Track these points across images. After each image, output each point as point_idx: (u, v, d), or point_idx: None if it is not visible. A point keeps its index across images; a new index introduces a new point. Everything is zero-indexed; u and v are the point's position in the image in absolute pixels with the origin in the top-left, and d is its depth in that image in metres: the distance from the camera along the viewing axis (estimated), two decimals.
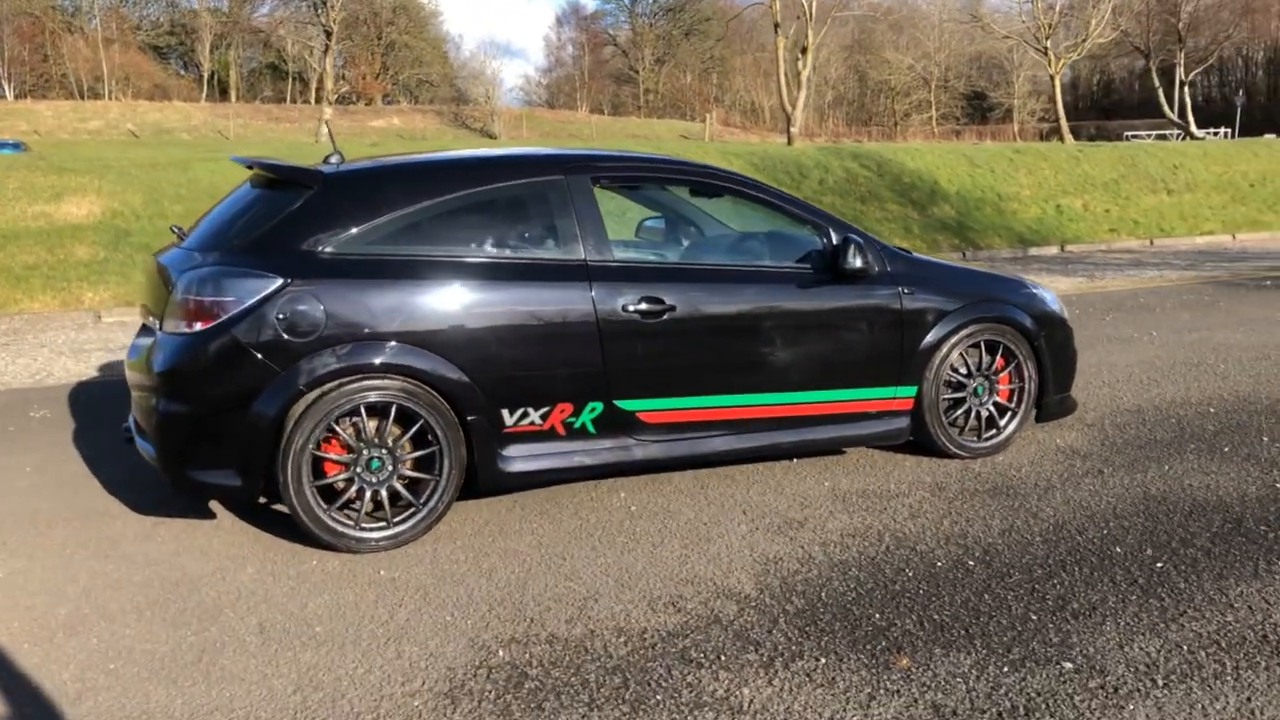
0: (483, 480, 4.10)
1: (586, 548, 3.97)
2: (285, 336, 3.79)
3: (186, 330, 3.81)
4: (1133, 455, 4.98)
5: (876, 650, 3.13)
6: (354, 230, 3.96)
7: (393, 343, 3.89)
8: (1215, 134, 43.95)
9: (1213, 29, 46.77)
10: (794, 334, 4.52)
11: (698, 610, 3.42)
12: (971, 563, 3.76)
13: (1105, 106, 78.62)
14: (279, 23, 43.07)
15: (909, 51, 62.11)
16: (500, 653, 3.16)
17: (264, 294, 3.78)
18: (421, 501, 4.01)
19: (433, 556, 3.92)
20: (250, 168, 4.36)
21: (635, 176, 4.55)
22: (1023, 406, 5.07)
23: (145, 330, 4.59)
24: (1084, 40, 33.60)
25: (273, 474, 3.84)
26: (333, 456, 3.90)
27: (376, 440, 3.94)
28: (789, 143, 29.58)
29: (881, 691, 2.90)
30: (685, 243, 5.00)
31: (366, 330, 3.86)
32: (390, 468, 3.98)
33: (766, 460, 4.87)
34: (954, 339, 4.82)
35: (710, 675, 3.00)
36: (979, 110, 66.34)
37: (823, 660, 3.07)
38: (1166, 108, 43.27)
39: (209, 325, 3.77)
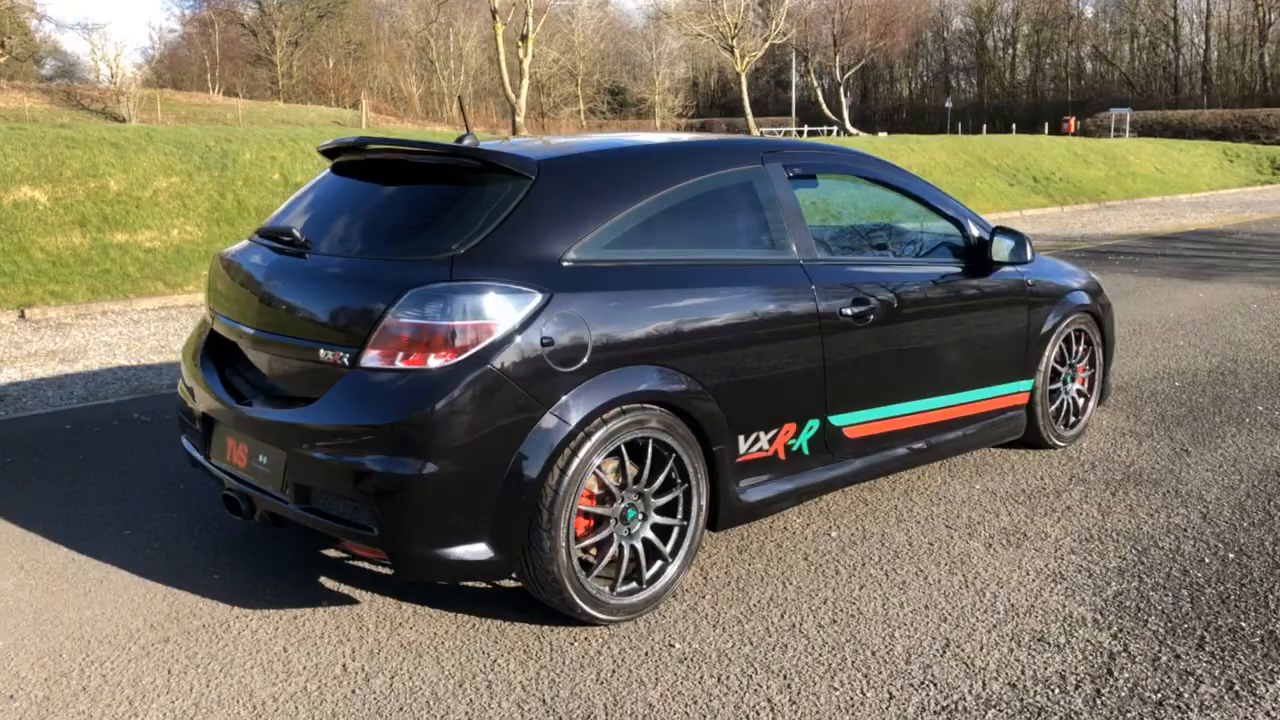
0: (723, 518, 3.51)
1: (854, 586, 3.51)
2: (552, 365, 2.98)
3: (411, 365, 2.89)
4: (1191, 429, 5.25)
5: None
6: (593, 231, 3.20)
7: (651, 366, 3.20)
8: (828, 131, 48.91)
9: (858, 37, 51.99)
10: (963, 332, 4.30)
11: (1073, 643, 3.11)
12: (1231, 555, 3.75)
13: (725, 105, 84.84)
14: None
15: (553, 45, 63.06)
16: None
17: (526, 314, 2.95)
18: (670, 551, 3.35)
19: (698, 617, 3.27)
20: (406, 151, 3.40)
21: (818, 165, 4.07)
22: (1095, 392, 5.20)
23: (216, 355, 3.52)
24: (766, 40, 36.00)
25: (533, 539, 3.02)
26: (590, 509, 3.15)
27: (634, 485, 3.23)
28: (514, 133, 28.93)
29: None
30: (850, 237, 4.58)
31: (626, 353, 3.14)
32: (643, 516, 3.28)
33: (916, 466, 4.57)
34: (1059, 329, 4.82)
35: (1200, 717, 2.72)
36: (621, 104, 68.93)
37: (1276, 683, 2.89)
38: (825, 108, 47.61)
39: (457, 358, 2.88)
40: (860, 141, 29.42)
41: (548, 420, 2.97)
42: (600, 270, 3.17)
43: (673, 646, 3.10)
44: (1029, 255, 4.41)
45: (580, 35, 63.21)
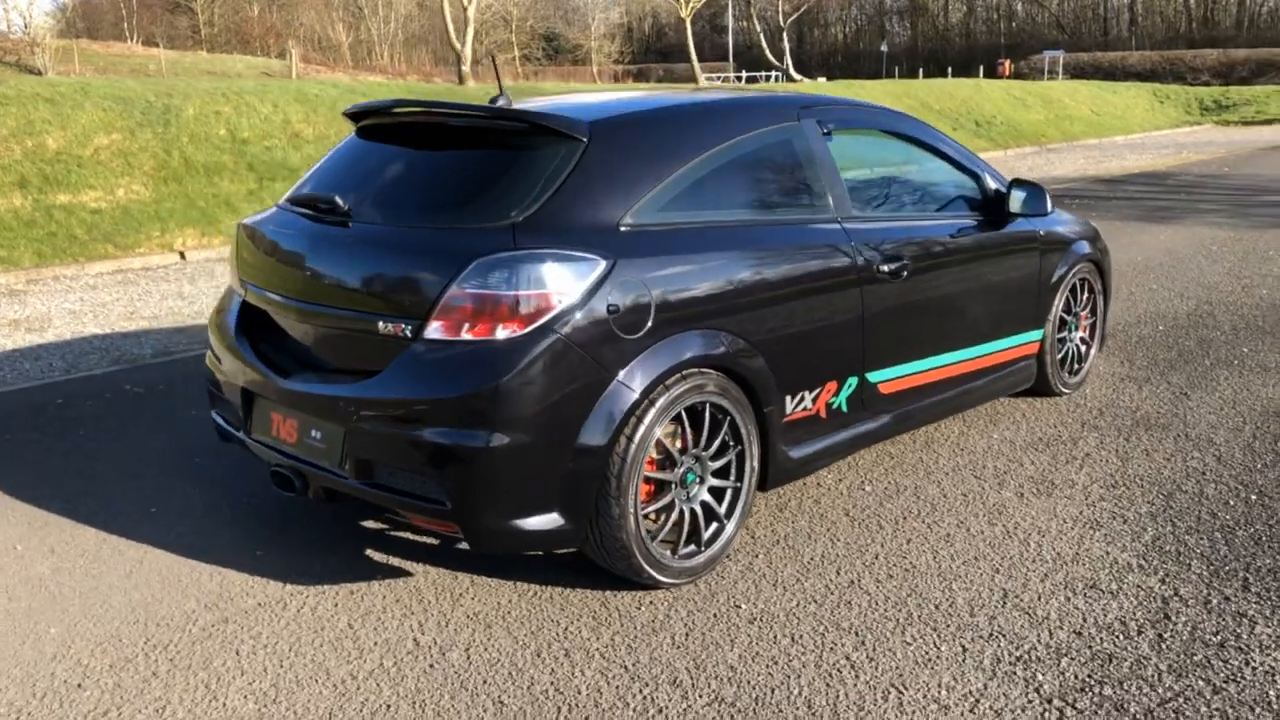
0: (772, 478, 3.53)
1: (901, 541, 3.56)
2: (617, 333, 2.95)
3: (477, 336, 2.84)
4: (1185, 373, 5.40)
5: None
6: (647, 194, 3.16)
7: (708, 330, 3.19)
8: (768, 76, 48.83)
9: None
10: (985, 285, 4.35)
11: (1125, 589, 3.19)
12: (1253, 497, 3.88)
13: (660, 50, 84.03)
14: None
15: None
16: (1042, 678, 2.74)
17: (591, 282, 2.91)
18: (725, 512, 3.36)
19: (756, 576, 3.30)
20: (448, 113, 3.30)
21: (849, 121, 4.03)
22: (1096, 339, 5.31)
23: (250, 327, 3.43)
24: None
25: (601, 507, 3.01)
26: (652, 475, 3.14)
27: (692, 449, 3.23)
28: (460, 82, 28.25)
29: None
30: (873, 191, 4.55)
31: (685, 316, 3.12)
32: (700, 480, 3.29)
33: (941, 419, 4.60)
34: (1067, 279, 4.90)
35: (1263, 656, 2.82)
36: (556, 51, 67.86)
37: None
38: (769, 53, 47.26)
39: (525, 328, 2.83)
40: (805, 87, 29.38)
41: (615, 388, 2.94)
42: (656, 234, 3.14)
43: (739, 608, 3.12)
44: (1048, 207, 4.46)
45: None
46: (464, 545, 3.53)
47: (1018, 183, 4.46)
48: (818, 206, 3.68)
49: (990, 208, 4.46)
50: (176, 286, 9.13)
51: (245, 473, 4.19)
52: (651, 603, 3.16)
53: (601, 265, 2.94)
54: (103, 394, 5.40)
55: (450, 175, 3.22)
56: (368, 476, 3.00)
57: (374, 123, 3.59)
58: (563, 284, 2.87)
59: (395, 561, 3.45)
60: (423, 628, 3.03)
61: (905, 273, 3.88)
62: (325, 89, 16.52)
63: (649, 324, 3.01)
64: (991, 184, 4.50)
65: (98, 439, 4.68)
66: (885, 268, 3.79)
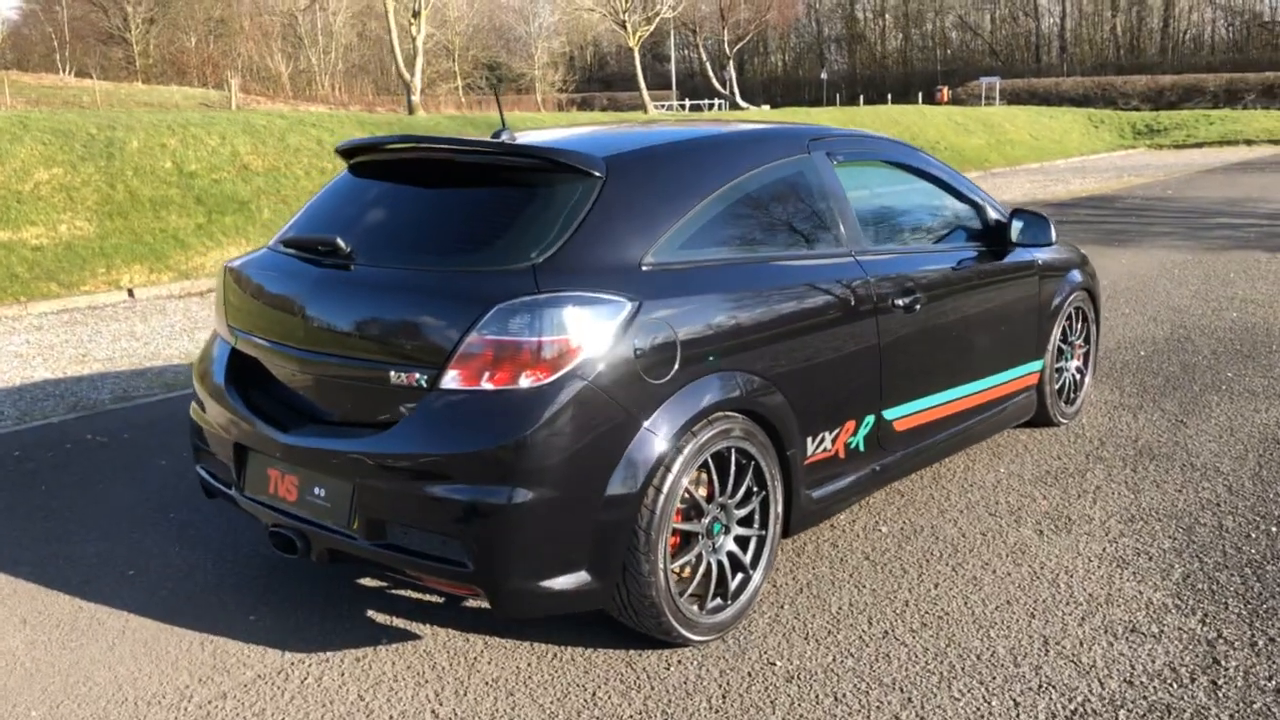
0: (795, 523, 3.39)
1: (928, 585, 3.43)
2: (644, 378, 2.80)
3: (500, 385, 2.66)
4: (1177, 400, 5.37)
5: None
6: (667, 231, 3.02)
7: (732, 373, 3.04)
8: (711, 104, 49.22)
9: (742, 12, 51.92)
10: (992, 316, 4.27)
11: (1167, 632, 3.09)
12: (1274, 529, 3.81)
13: (603, 79, 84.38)
14: None
15: (429, 20, 61.34)
16: None
17: (618, 325, 2.76)
18: (750, 562, 3.21)
19: (785, 629, 3.15)
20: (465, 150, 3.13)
21: (855, 152, 3.91)
22: (1090, 368, 5.27)
23: (240, 376, 3.22)
24: (656, 15, 35.77)
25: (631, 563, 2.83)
26: (679, 526, 2.97)
27: (720, 498, 3.08)
28: (410, 112, 27.92)
29: None
30: (879, 223, 4.45)
31: (710, 359, 2.98)
32: (726, 529, 3.14)
33: (950, 455, 4.48)
34: (1064, 308, 4.85)
35: None
36: (499, 80, 67.73)
37: None
38: (715, 82, 47.58)
39: (551, 375, 2.66)
40: (753, 115, 29.58)
41: (643, 436, 2.79)
42: (678, 273, 3.00)
43: (774, 665, 2.96)
44: (1052, 236, 4.39)
45: (454, 10, 61.75)
46: (472, 603, 3.33)
47: (1018, 212, 4.39)
48: (832, 240, 3.57)
49: (993, 237, 4.38)
50: (128, 326, 8.78)
51: (227, 528, 3.95)
52: (680, 662, 2.99)
53: (627, 307, 2.78)
54: (62, 444, 5.10)
55: (460, 214, 3.05)
56: (379, 537, 2.80)
57: (369, 159, 3.40)
58: (588, 328, 2.71)
59: (400, 623, 3.24)
60: (440, 697, 2.82)
61: (918, 305, 3.77)
62: (273, 120, 16.19)
63: (675, 368, 2.86)
64: (993, 214, 4.43)
65: (62, 494, 4.39)
66: (899, 301, 3.68)
